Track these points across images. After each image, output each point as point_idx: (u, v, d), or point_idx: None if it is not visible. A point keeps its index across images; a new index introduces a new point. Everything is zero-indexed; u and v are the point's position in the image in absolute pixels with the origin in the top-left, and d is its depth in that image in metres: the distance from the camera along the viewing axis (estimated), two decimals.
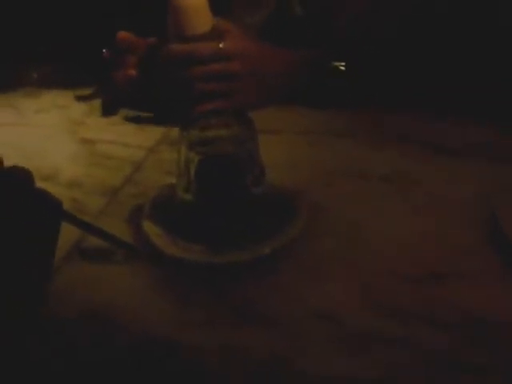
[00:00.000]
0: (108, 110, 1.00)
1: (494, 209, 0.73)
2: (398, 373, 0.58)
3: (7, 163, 0.58)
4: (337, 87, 0.95)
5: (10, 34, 1.12)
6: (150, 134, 0.94)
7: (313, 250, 0.71)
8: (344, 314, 0.64)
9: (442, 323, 0.62)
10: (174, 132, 0.92)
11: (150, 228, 0.73)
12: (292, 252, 0.71)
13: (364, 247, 0.71)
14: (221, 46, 0.92)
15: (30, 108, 1.03)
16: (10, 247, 0.46)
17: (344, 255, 0.71)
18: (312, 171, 0.84)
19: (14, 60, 1.11)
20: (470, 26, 0.91)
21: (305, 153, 0.88)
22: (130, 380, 0.60)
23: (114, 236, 0.70)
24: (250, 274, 0.69)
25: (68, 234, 0.67)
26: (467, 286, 0.66)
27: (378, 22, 0.97)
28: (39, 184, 0.57)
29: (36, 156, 0.89)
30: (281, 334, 0.62)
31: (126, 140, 0.94)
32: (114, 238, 0.70)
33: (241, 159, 0.71)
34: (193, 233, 0.72)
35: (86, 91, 1.05)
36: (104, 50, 0.97)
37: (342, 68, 0.95)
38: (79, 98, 1.04)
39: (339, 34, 0.98)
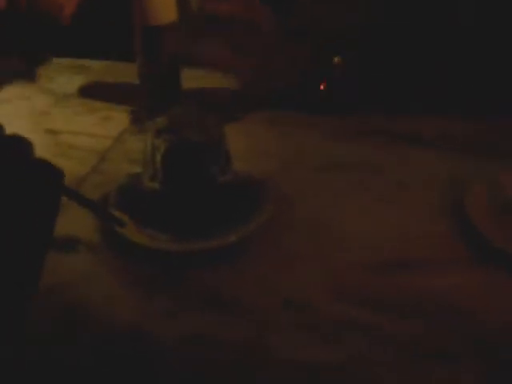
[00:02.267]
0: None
1: (461, 197, 0.74)
2: (369, 359, 0.59)
3: None
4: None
5: None
6: (116, 124, 0.94)
7: (280, 240, 0.72)
8: (312, 302, 0.64)
9: (409, 310, 0.63)
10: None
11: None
12: (260, 241, 0.71)
13: (330, 237, 0.72)
14: None
15: None
16: (11, 222, 0.46)
17: (310, 244, 0.72)
18: (277, 162, 0.84)
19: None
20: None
21: (269, 143, 0.89)
22: (98, 370, 0.59)
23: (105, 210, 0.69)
24: (218, 262, 0.69)
25: None
26: (433, 274, 0.67)
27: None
28: None
29: None
30: (251, 322, 0.63)
31: (91, 130, 0.93)
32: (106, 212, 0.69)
33: (207, 147, 0.71)
34: (159, 221, 0.72)
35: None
36: None
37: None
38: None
39: None
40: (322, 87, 0.94)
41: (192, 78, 0.98)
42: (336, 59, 0.92)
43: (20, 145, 0.48)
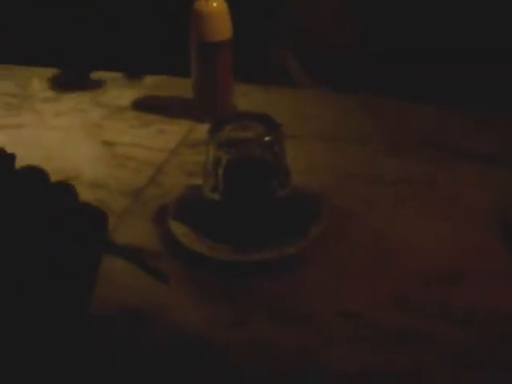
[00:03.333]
0: None
1: (507, 211, 0.75)
2: (424, 368, 0.60)
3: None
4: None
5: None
6: (171, 137, 0.96)
7: (336, 252, 0.73)
8: (369, 312, 0.66)
9: (462, 320, 0.64)
10: (194, 134, 0.95)
11: (177, 227, 0.75)
12: (317, 253, 0.72)
13: (384, 249, 0.73)
14: None
15: (50, 111, 1.04)
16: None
17: (366, 256, 0.73)
18: (331, 176, 0.86)
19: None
20: None
21: (323, 158, 0.90)
22: (162, 378, 0.61)
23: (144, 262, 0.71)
24: (277, 273, 0.70)
25: None
26: (484, 285, 0.68)
27: None
28: None
29: (58, 157, 0.90)
30: (308, 331, 0.64)
31: (146, 143, 0.95)
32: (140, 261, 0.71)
33: (268, 162, 0.73)
34: (219, 232, 0.73)
35: None
36: None
37: None
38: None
39: None
40: None
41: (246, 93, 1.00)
42: None
43: (64, 191, 0.49)
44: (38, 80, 1.15)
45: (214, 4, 0.93)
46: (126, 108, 1.05)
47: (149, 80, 1.13)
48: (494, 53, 0.99)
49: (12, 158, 0.46)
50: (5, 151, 0.46)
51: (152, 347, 0.63)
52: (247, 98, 1.01)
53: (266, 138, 0.73)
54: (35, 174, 0.47)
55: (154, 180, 0.87)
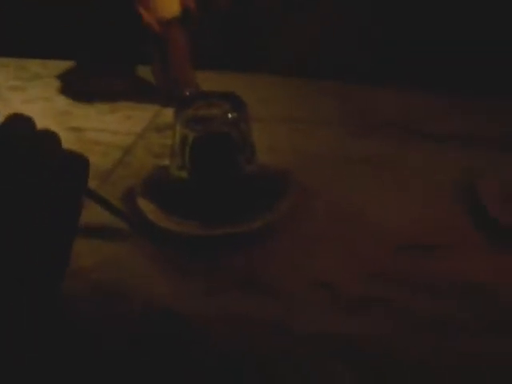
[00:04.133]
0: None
1: (472, 185, 0.77)
2: (394, 332, 0.62)
3: None
4: None
5: None
6: (137, 122, 0.97)
7: (304, 227, 0.75)
8: (340, 282, 0.67)
9: (431, 288, 0.66)
10: (160, 119, 0.96)
11: (145, 205, 0.76)
12: (284, 229, 0.74)
13: (351, 223, 0.75)
14: None
15: (17, 100, 1.05)
16: (38, 212, 0.48)
17: (332, 231, 0.74)
18: (295, 155, 0.87)
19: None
20: None
21: (286, 139, 0.92)
22: (137, 351, 0.62)
23: (114, 206, 0.72)
24: (246, 248, 0.72)
25: None
26: (453, 256, 0.70)
27: None
28: None
29: None
30: (279, 301, 0.66)
31: (113, 127, 0.96)
32: (114, 208, 0.72)
33: (234, 138, 0.74)
34: (187, 209, 0.75)
35: None
36: None
37: None
38: None
39: None
40: None
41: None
42: None
43: (48, 138, 0.50)
44: (3, 70, 1.15)
45: None
46: (92, 95, 1.05)
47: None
48: (469, 40, 1.01)
49: None
50: None
51: (124, 325, 0.64)
52: (204, 84, 1.02)
53: (233, 115, 0.74)
54: (20, 121, 0.48)
55: (122, 162, 0.88)
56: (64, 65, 1.15)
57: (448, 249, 0.71)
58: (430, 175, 0.82)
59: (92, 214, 0.71)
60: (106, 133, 0.95)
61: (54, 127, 0.50)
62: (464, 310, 0.64)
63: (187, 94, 0.89)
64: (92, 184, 0.82)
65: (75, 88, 1.08)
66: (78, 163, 0.51)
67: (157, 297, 0.67)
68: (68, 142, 0.51)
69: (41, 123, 0.50)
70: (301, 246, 0.72)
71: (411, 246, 0.71)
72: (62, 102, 1.05)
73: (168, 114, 0.96)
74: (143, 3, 0.93)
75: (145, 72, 1.07)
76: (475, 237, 0.72)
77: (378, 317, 0.63)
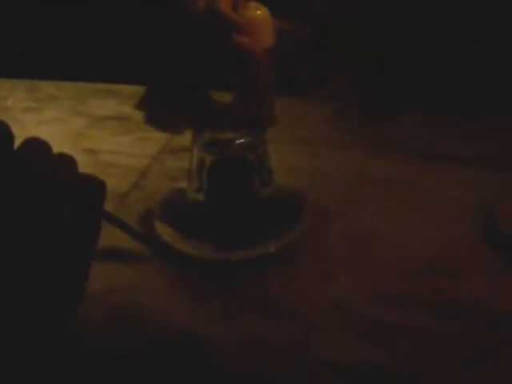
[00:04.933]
0: None
1: (492, 209, 0.77)
2: (411, 358, 0.61)
3: None
4: None
5: None
6: (152, 144, 0.97)
7: (321, 249, 0.75)
8: (356, 305, 0.67)
9: (446, 311, 0.66)
10: (176, 141, 0.96)
11: (162, 228, 0.76)
12: (300, 251, 0.74)
13: (368, 245, 0.75)
14: None
15: (31, 122, 1.05)
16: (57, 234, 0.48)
17: (350, 253, 0.74)
18: (312, 177, 0.87)
19: None
20: None
21: (305, 161, 0.92)
22: (153, 375, 0.61)
23: (132, 228, 0.72)
24: (263, 271, 0.72)
25: None
26: (468, 279, 0.70)
27: None
28: None
29: None
30: (297, 325, 0.65)
31: (128, 150, 0.97)
32: (132, 231, 0.72)
33: (251, 162, 0.74)
34: (204, 232, 0.75)
35: None
36: None
37: None
38: None
39: None
40: None
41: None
42: None
43: (65, 162, 0.50)
44: (17, 91, 1.16)
45: (258, 12, 0.93)
46: (107, 117, 1.06)
47: (128, 90, 1.15)
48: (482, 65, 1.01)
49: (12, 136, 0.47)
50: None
51: (141, 347, 0.64)
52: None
53: (250, 138, 0.74)
54: (36, 145, 0.48)
55: (138, 185, 0.88)
56: (78, 86, 1.15)
57: (463, 272, 0.70)
58: (445, 198, 0.82)
59: (108, 236, 0.71)
60: (121, 155, 0.95)
61: (68, 149, 0.50)
62: (479, 332, 0.63)
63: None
64: (108, 207, 0.82)
65: (90, 109, 1.08)
66: (94, 186, 0.51)
67: (173, 320, 0.67)
68: (83, 164, 0.51)
69: (56, 145, 0.50)
70: (317, 269, 0.72)
71: (427, 268, 0.71)
72: (77, 123, 1.05)
73: (182, 136, 0.97)
74: (244, 31, 0.92)
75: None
76: (491, 260, 0.72)
77: (396, 342, 0.63)
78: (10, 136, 0.47)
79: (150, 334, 0.66)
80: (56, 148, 0.50)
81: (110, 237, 0.71)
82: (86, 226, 0.50)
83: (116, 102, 1.11)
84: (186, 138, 0.76)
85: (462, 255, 0.73)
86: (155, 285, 0.72)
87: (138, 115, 1.06)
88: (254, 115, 0.98)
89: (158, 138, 0.99)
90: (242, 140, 0.74)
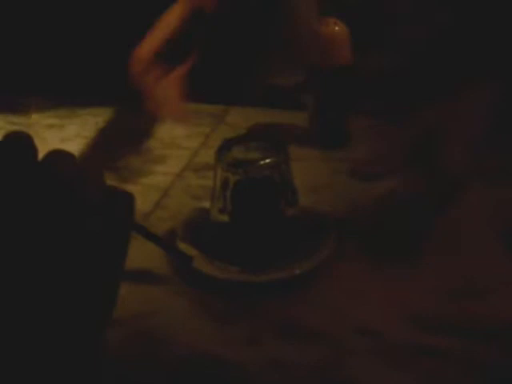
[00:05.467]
0: None
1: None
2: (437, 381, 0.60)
3: None
4: None
5: None
6: (175, 161, 0.96)
7: (347, 270, 0.74)
8: (385, 328, 0.66)
9: (483, 335, 0.64)
10: (199, 158, 0.95)
11: (186, 249, 0.75)
12: (326, 272, 0.73)
13: (395, 266, 0.74)
14: None
15: (55, 138, 1.05)
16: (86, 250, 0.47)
17: (376, 274, 0.73)
18: (335, 196, 0.86)
19: None
20: None
21: (328, 178, 0.91)
22: None
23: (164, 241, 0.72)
24: (288, 292, 0.71)
25: None
26: (504, 300, 0.68)
27: None
28: None
29: None
30: (324, 348, 0.64)
31: (150, 167, 0.96)
32: (165, 243, 0.72)
33: (275, 181, 0.73)
34: (228, 253, 0.74)
35: None
36: None
37: None
38: None
39: None
40: None
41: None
42: None
43: (93, 173, 0.49)
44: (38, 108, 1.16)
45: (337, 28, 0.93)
46: (130, 134, 1.05)
47: None
48: None
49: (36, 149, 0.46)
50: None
51: (166, 370, 0.63)
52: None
53: (273, 158, 0.73)
54: (61, 157, 0.47)
55: (160, 204, 0.87)
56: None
57: (497, 294, 0.69)
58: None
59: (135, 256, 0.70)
60: (143, 173, 0.95)
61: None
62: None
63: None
64: None
65: (115, 126, 1.08)
66: (123, 199, 0.50)
67: (198, 343, 0.66)
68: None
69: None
70: (344, 291, 0.71)
71: (458, 289, 0.70)
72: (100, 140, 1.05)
73: (205, 153, 0.96)
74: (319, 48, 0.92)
75: None
76: None
77: (425, 367, 0.61)
78: (34, 148, 0.46)
79: (173, 356, 0.65)
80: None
81: (134, 256, 0.70)
82: (115, 240, 0.49)
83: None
84: (208, 155, 0.75)
85: (496, 276, 0.71)
86: (179, 306, 0.71)
87: (161, 131, 1.05)
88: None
89: (181, 155, 0.98)
90: (266, 160, 0.73)
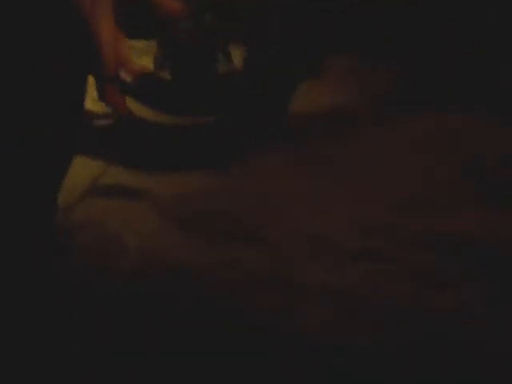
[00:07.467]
0: None
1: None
2: (386, 283, 0.63)
3: None
4: None
5: None
6: None
7: (299, 177, 0.78)
8: (334, 234, 0.69)
9: (423, 242, 0.68)
10: None
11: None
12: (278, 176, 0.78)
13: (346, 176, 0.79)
14: None
15: None
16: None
17: (328, 186, 0.77)
18: None
19: None
20: None
21: None
22: (134, 302, 0.62)
23: None
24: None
25: (88, 170, 0.77)
26: (446, 212, 0.72)
27: None
28: None
29: None
30: (275, 251, 0.68)
31: None
32: None
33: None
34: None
35: None
36: None
37: None
38: None
39: None
40: None
41: None
42: None
43: None
44: None
45: None
46: None
47: None
48: None
49: None
50: None
51: (126, 275, 0.65)
52: None
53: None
54: None
55: None
56: None
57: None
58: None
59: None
60: None
61: None
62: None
63: None
64: None
65: None
66: None
67: (159, 249, 0.68)
68: None
69: None
70: (298, 200, 0.74)
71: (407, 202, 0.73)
72: None
73: None
74: None
75: None
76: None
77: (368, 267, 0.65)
78: None
79: (133, 262, 0.67)
80: None
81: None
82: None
83: None
84: None
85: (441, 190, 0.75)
86: (147, 219, 0.73)
87: None
88: None
89: None
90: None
